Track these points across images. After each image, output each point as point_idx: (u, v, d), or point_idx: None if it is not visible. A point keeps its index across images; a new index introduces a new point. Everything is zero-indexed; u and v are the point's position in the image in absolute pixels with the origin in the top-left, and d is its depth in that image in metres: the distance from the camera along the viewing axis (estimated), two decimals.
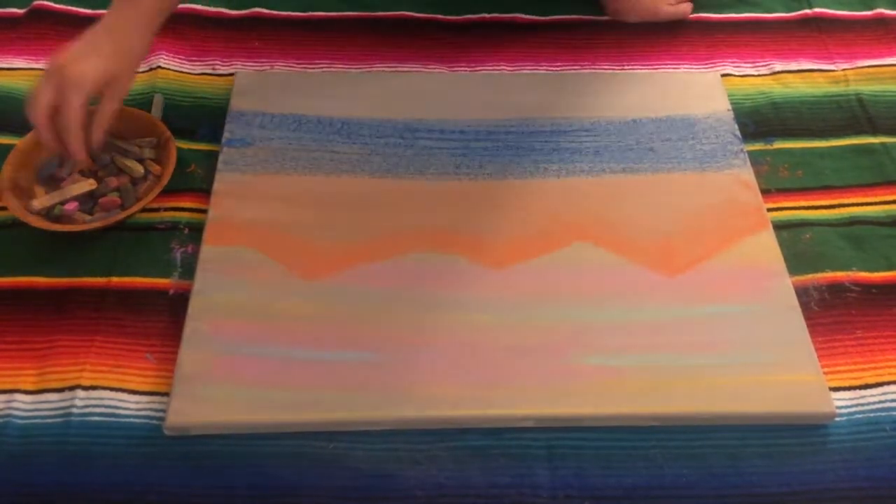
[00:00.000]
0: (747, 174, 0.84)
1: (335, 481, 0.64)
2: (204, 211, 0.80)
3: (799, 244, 0.79)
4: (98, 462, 0.65)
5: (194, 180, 0.83)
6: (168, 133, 0.82)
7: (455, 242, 0.77)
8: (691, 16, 1.01)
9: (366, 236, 0.77)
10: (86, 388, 0.68)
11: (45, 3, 0.98)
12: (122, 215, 0.76)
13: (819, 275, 0.77)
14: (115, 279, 0.75)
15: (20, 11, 0.98)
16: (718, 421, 0.67)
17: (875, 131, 0.89)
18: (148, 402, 0.68)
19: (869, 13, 1.02)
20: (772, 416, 0.68)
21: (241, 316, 0.72)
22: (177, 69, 0.93)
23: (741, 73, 0.95)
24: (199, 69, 0.93)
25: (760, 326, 0.72)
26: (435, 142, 0.86)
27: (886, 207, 0.83)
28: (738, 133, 0.87)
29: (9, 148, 0.80)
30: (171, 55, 0.94)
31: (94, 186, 0.79)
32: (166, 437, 0.66)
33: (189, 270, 0.75)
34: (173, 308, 0.73)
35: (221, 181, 0.81)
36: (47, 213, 0.77)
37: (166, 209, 0.80)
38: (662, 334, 0.71)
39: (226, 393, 0.67)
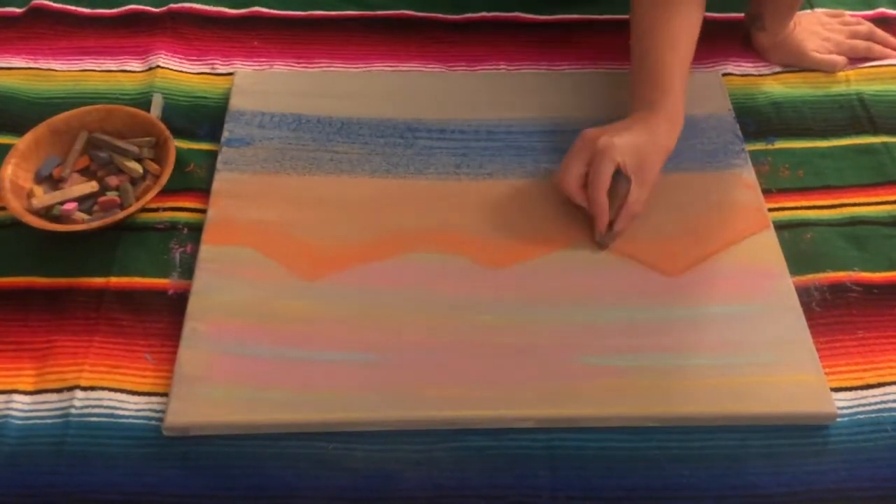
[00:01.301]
0: (748, 174, 0.83)
1: (334, 482, 0.64)
2: (203, 211, 0.79)
3: (800, 244, 0.79)
4: (97, 462, 0.64)
5: (193, 180, 0.83)
6: (167, 133, 0.81)
7: (455, 242, 0.77)
8: None
9: (366, 236, 0.77)
10: (84, 389, 0.68)
11: (44, 2, 0.98)
12: (121, 215, 0.76)
13: (820, 275, 0.77)
14: (113, 279, 0.75)
15: (19, 11, 0.98)
16: (719, 421, 0.67)
17: (876, 131, 0.89)
18: (147, 403, 0.68)
19: (871, 13, 1.02)
20: (773, 416, 0.67)
21: (240, 316, 0.71)
22: (176, 69, 0.93)
23: (742, 73, 0.95)
24: (198, 69, 0.93)
25: (761, 326, 0.72)
26: (435, 142, 0.86)
27: (888, 207, 0.83)
28: (739, 133, 0.87)
29: (7, 147, 0.80)
30: (171, 55, 0.94)
31: (95, 189, 0.78)
32: (165, 438, 0.66)
33: (188, 270, 0.75)
34: (172, 308, 0.73)
35: (220, 181, 0.81)
36: (46, 213, 0.77)
37: (165, 209, 0.80)
38: (663, 334, 0.71)
39: (225, 393, 0.67)
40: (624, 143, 0.74)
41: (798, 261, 0.77)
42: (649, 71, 0.79)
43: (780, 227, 0.80)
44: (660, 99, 0.78)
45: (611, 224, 0.76)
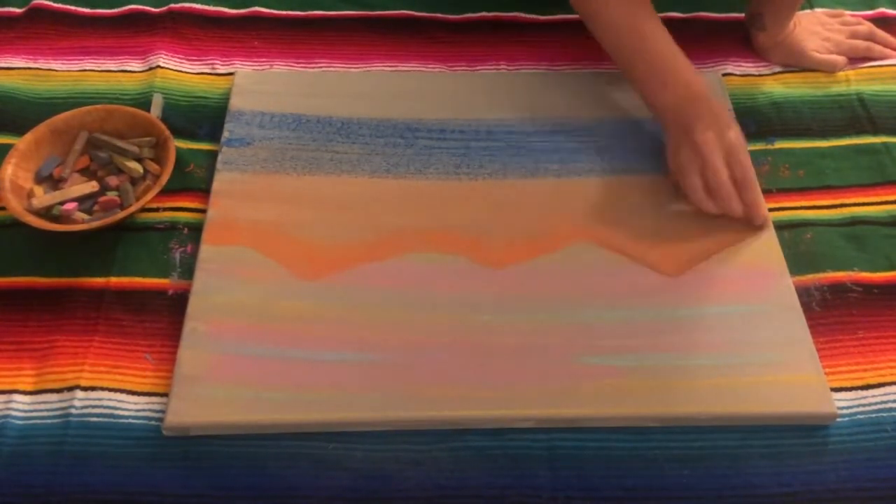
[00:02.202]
0: None
1: (335, 482, 0.64)
2: (203, 211, 0.79)
3: (800, 244, 0.79)
4: (97, 463, 0.64)
5: (193, 180, 0.83)
6: (167, 133, 0.81)
7: (455, 242, 0.77)
8: (691, 15, 1.00)
9: (366, 236, 0.77)
10: (85, 389, 0.68)
11: (44, 2, 0.98)
12: (121, 215, 0.76)
13: (820, 275, 0.77)
14: (114, 279, 0.75)
15: (19, 11, 0.98)
16: (719, 421, 0.67)
17: (876, 131, 0.89)
18: (147, 403, 0.68)
19: (871, 13, 1.02)
20: (773, 416, 0.67)
21: (240, 316, 0.71)
22: (176, 69, 0.93)
23: (742, 73, 0.95)
24: (198, 69, 0.93)
25: (761, 326, 0.72)
26: (435, 142, 0.85)
27: (888, 207, 0.83)
28: None
29: (7, 147, 0.80)
30: (171, 55, 0.94)
31: (95, 188, 0.78)
32: (165, 438, 0.66)
33: (188, 270, 0.75)
34: (172, 308, 0.73)
35: (221, 181, 0.81)
36: (46, 213, 0.77)
37: (165, 209, 0.80)
38: (663, 334, 0.71)
39: (225, 393, 0.67)
40: (739, 131, 0.78)
41: (798, 261, 0.77)
42: (668, 56, 0.82)
43: (780, 227, 0.80)
44: (692, 76, 0.81)
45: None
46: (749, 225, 0.78)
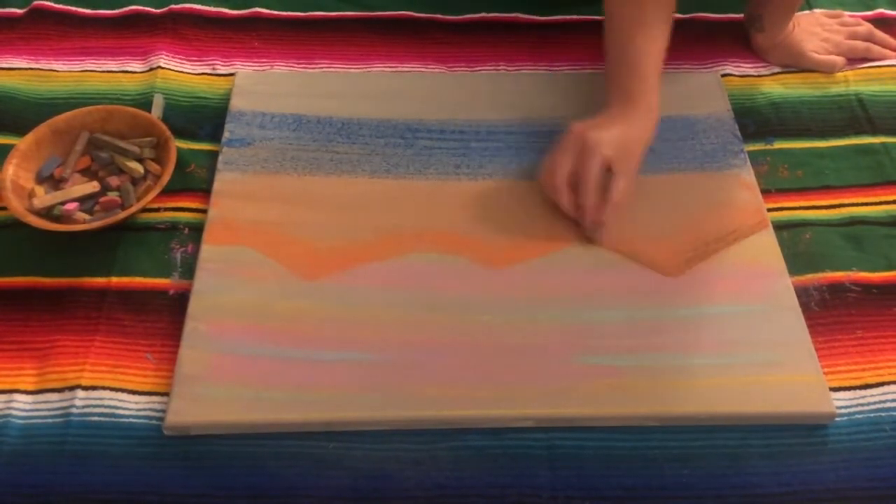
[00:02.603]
0: (747, 174, 0.84)
1: (335, 481, 0.64)
2: (204, 211, 0.80)
3: (799, 244, 0.79)
4: (97, 462, 0.65)
5: (194, 180, 0.83)
6: (168, 133, 0.81)
7: (455, 242, 0.77)
8: (690, 16, 1.01)
9: (366, 236, 0.77)
10: (86, 388, 0.68)
11: (45, 2, 0.98)
12: (122, 215, 0.76)
13: (819, 275, 0.77)
14: (114, 279, 0.75)
15: (20, 11, 0.98)
16: (719, 421, 0.67)
17: (875, 131, 0.89)
18: (148, 403, 0.68)
19: (870, 13, 1.02)
20: (772, 416, 0.67)
21: (240, 316, 0.72)
22: (177, 69, 0.93)
23: (741, 73, 0.95)
24: (199, 69, 0.93)
25: (761, 326, 0.72)
26: (435, 142, 0.86)
27: (886, 207, 0.83)
28: (738, 133, 0.87)
29: (9, 148, 0.80)
30: (172, 55, 0.94)
31: (96, 189, 0.79)
32: (166, 437, 0.66)
33: (189, 270, 0.75)
34: (173, 308, 0.73)
35: (221, 181, 0.81)
36: (48, 214, 0.77)
37: (166, 209, 0.80)
38: (663, 334, 0.71)
39: (225, 393, 0.67)
40: (610, 138, 0.75)
41: (797, 261, 0.77)
42: (628, 65, 0.80)
43: (780, 227, 0.80)
44: (639, 92, 0.79)
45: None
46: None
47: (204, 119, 0.88)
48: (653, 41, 0.81)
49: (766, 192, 0.83)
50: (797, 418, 0.68)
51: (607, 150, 0.74)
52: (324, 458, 0.65)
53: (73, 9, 0.99)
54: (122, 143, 0.81)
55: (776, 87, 0.94)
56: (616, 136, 0.76)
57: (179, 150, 0.82)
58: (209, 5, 1.00)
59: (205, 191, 0.81)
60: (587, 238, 0.77)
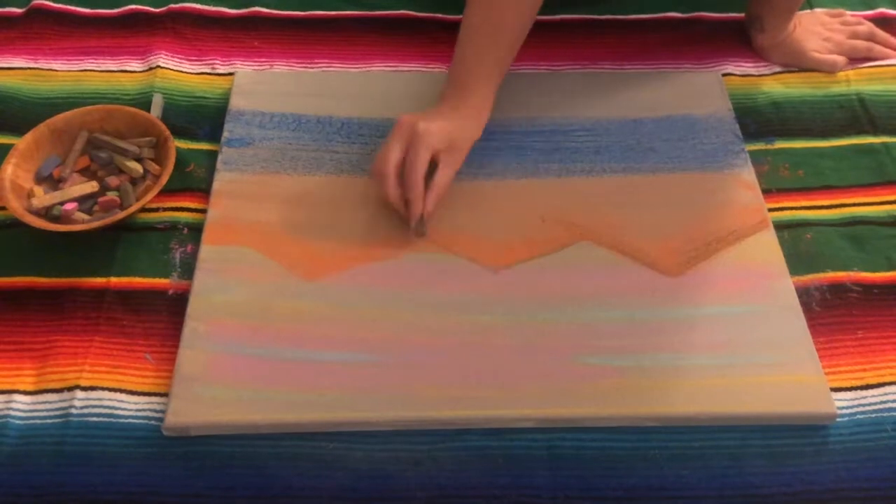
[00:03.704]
0: (748, 174, 0.83)
1: (335, 482, 0.64)
2: (203, 211, 0.80)
3: (800, 244, 0.79)
4: (97, 463, 0.64)
5: (193, 180, 0.83)
6: (167, 133, 0.81)
7: (455, 242, 0.77)
8: (691, 16, 1.00)
9: (366, 236, 0.77)
10: (85, 389, 0.68)
11: (45, 2, 0.98)
12: (121, 215, 0.76)
13: (820, 275, 0.77)
14: (114, 279, 0.75)
15: (19, 11, 0.98)
16: (719, 421, 0.67)
17: (876, 131, 0.89)
18: (147, 403, 0.68)
19: (871, 13, 1.02)
20: (773, 416, 0.67)
21: (240, 316, 0.71)
22: (176, 69, 0.93)
23: (742, 73, 0.95)
24: (198, 69, 0.93)
25: (761, 326, 0.72)
26: None
27: (887, 207, 0.83)
28: (738, 133, 0.87)
29: (8, 148, 0.80)
30: (171, 55, 0.94)
31: (95, 189, 0.79)
32: (165, 438, 0.66)
33: (188, 270, 0.75)
34: (172, 308, 0.73)
35: (221, 181, 0.81)
36: (47, 214, 0.77)
37: (165, 209, 0.80)
38: (663, 334, 0.71)
39: (225, 393, 0.67)
40: (439, 129, 0.75)
41: (798, 261, 0.77)
42: (468, 63, 0.80)
43: (780, 227, 0.80)
44: (474, 90, 0.79)
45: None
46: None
47: (203, 119, 0.88)
48: (501, 44, 0.81)
49: (766, 191, 0.83)
50: (798, 419, 0.68)
51: (435, 140, 0.75)
52: (324, 458, 0.65)
53: (73, 8, 0.98)
54: (121, 143, 0.81)
55: (777, 86, 0.94)
56: (445, 129, 0.76)
57: (179, 150, 0.82)
58: (209, 5, 0.99)
59: (204, 191, 0.81)
60: (414, 232, 0.76)
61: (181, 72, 0.93)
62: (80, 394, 0.68)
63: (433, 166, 0.76)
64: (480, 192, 0.81)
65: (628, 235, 0.78)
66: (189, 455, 0.65)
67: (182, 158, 0.83)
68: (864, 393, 0.70)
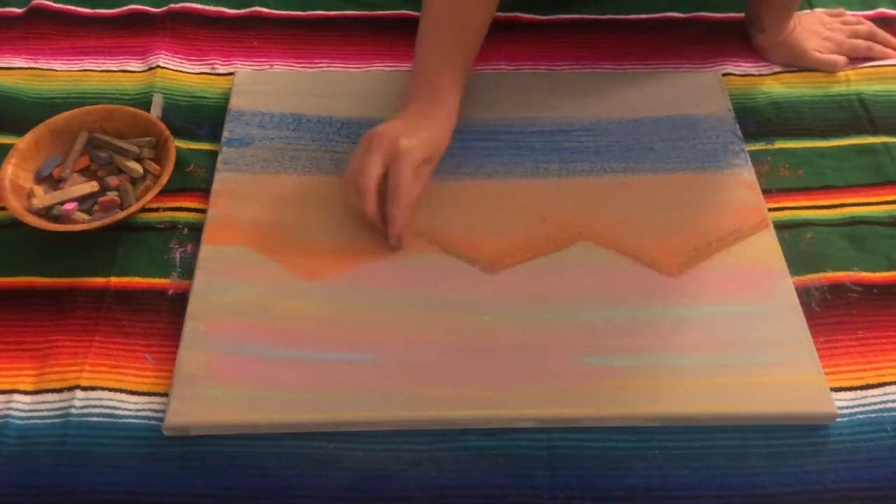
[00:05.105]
0: (748, 174, 0.83)
1: (335, 482, 0.64)
2: (203, 211, 0.80)
3: (800, 244, 0.79)
4: (97, 463, 0.64)
5: (193, 180, 0.83)
6: (167, 133, 0.81)
7: (455, 242, 0.77)
8: (691, 15, 1.00)
9: (366, 236, 0.77)
10: (85, 389, 0.68)
11: (45, 2, 0.98)
12: (121, 215, 0.76)
13: (820, 275, 0.77)
14: (114, 279, 0.75)
15: (19, 11, 0.98)
16: (719, 421, 0.67)
17: (876, 131, 0.89)
18: (147, 403, 0.68)
19: (871, 13, 1.02)
20: (773, 416, 0.67)
21: (240, 316, 0.71)
22: (176, 68, 0.93)
23: (742, 73, 0.95)
24: (198, 68, 0.93)
25: (761, 326, 0.72)
26: None
27: (888, 207, 0.83)
28: (738, 133, 0.87)
29: (8, 147, 0.80)
30: (171, 54, 0.94)
31: (95, 189, 0.79)
32: (165, 438, 0.66)
33: (188, 270, 0.75)
34: (172, 308, 0.73)
35: (221, 181, 0.81)
36: (47, 213, 0.77)
37: (166, 209, 0.80)
38: (663, 334, 0.71)
39: (225, 393, 0.67)
40: (420, 143, 0.74)
41: (798, 261, 0.77)
42: (437, 65, 0.79)
43: (780, 227, 0.80)
44: (442, 96, 0.78)
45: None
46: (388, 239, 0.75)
47: (203, 119, 0.88)
48: (466, 43, 0.80)
49: (766, 191, 0.83)
50: (798, 419, 0.68)
51: (419, 157, 0.74)
52: (324, 458, 0.65)
53: (73, 8, 0.98)
54: (121, 143, 0.81)
55: (777, 86, 0.94)
56: (425, 142, 0.75)
57: (179, 150, 0.82)
58: (209, 4, 0.99)
59: (204, 190, 0.81)
60: (392, 246, 0.76)
61: (181, 72, 0.93)
62: (80, 394, 0.68)
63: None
64: (480, 192, 0.81)
65: (628, 235, 0.78)
66: (189, 455, 0.65)
67: (182, 158, 0.83)
68: (864, 393, 0.70)
